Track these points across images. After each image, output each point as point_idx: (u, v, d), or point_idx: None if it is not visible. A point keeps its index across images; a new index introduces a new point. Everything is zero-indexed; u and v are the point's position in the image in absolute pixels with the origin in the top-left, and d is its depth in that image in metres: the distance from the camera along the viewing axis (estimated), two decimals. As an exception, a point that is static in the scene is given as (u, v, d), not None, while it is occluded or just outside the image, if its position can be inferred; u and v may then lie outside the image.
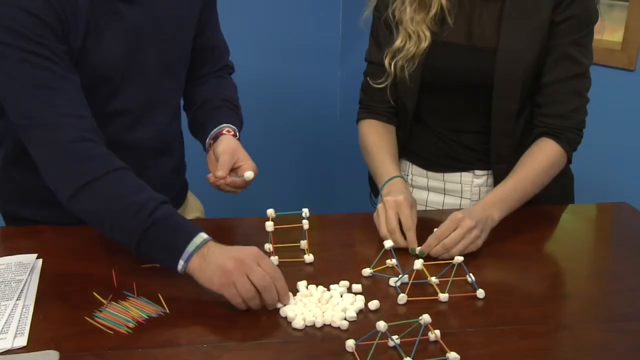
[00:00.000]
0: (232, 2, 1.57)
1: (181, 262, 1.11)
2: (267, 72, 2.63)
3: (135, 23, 1.31)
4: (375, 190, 1.64)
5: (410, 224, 1.29)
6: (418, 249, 1.26)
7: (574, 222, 1.53)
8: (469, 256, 1.23)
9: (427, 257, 1.24)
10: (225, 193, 1.35)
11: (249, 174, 1.32)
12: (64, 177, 1.19)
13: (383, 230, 1.30)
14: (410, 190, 1.51)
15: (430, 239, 1.25)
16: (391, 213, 1.30)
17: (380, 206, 1.34)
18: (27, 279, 1.14)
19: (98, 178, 1.17)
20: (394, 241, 1.25)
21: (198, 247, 1.11)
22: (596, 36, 2.09)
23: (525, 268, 1.27)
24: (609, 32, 2.13)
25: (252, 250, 1.12)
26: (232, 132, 1.42)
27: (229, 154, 1.34)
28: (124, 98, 1.34)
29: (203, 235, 1.13)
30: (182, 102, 1.55)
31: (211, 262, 1.10)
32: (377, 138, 1.53)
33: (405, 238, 1.29)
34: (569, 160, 1.49)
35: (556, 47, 1.40)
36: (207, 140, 1.42)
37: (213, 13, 1.51)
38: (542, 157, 1.42)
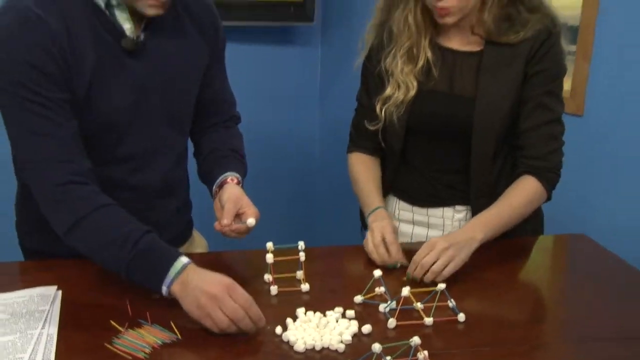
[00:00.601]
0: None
1: (164, 288, 1.13)
2: (252, 118, 2.66)
3: (140, 76, 1.31)
4: (365, 225, 1.67)
5: (392, 239, 1.36)
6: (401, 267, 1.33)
7: (542, 252, 1.57)
8: (452, 284, 1.25)
9: (412, 285, 1.25)
10: (231, 238, 1.35)
11: (250, 221, 1.31)
12: (58, 216, 1.21)
13: (369, 245, 1.37)
14: (394, 221, 1.54)
15: (411, 264, 1.30)
16: (377, 233, 1.38)
17: (368, 232, 1.40)
18: (49, 309, 1.14)
19: (86, 216, 1.19)
20: (378, 255, 1.34)
21: (178, 273, 1.13)
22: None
23: (502, 294, 1.30)
24: (559, 82, 2.23)
25: (223, 283, 1.11)
26: (236, 180, 1.41)
27: (232, 202, 1.34)
28: (128, 144, 1.34)
29: (183, 260, 1.15)
30: (190, 149, 1.54)
31: (189, 293, 1.11)
32: (364, 169, 1.58)
33: (389, 255, 1.36)
34: (549, 197, 1.50)
35: (531, 97, 1.45)
36: (214, 188, 1.42)
37: (221, 67, 1.51)
38: (523, 190, 1.45)
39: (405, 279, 1.30)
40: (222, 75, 1.53)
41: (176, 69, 1.37)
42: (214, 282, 1.11)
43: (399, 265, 1.35)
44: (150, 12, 1.24)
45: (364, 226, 1.67)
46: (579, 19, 2.04)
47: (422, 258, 1.28)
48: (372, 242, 1.37)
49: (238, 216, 1.34)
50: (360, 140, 1.60)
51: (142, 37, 1.29)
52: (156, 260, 1.15)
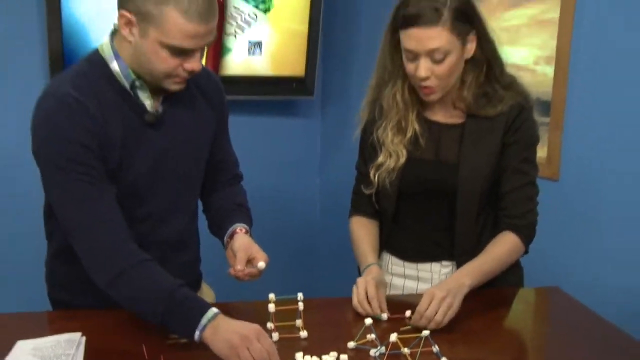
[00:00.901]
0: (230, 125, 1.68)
1: (197, 333, 1.20)
2: (258, 182, 2.66)
3: (160, 145, 1.40)
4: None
5: (373, 294, 1.41)
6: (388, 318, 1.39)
7: (522, 303, 1.62)
8: (437, 331, 1.31)
9: (400, 331, 1.30)
10: (246, 282, 1.41)
11: (261, 264, 1.39)
12: (101, 270, 1.29)
13: (354, 300, 1.43)
14: (384, 275, 1.59)
15: (415, 315, 1.35)
16: (361, 289, 1.43)
17: (354, 286, 1.45)
18: (74, 353, 1.20)
19: (126, 270, 1.27)
20: (363, 309, 1.39)
21: (210, 320, 1.20)
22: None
23: (483, 341, 1.35)
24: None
25: (254, 327, 1.19)
26: (244, 230, 1.49)
27: (243, 250, 1.42)
28: (148, 205, 1.42)
29: (214, 310, 1.23)
30: (200, 206, 1.61)
31: (220, 337, 1.18)
32: (363, 231, 1.63)
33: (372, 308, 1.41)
34: (526, 251, 1.57)
35: (509, 164, 1.53)
36: (225, 238, 1.49)
37: (225, 132, 1.61)
38: (504, 244, 1.53)
39: (378, 318, 1.37)
40: (226, 140, 1.62)
41: (189, 138, 1.46)
42: (245, 326, 1.20)
43: (385, 317, 1.40)
44: (174, 87, 1.36)
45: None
46: (550, 94, 2.15)
47: (425, 309, 1.34)
48: (357, 298, 1.43)
49: (249, 261, 1.41)
50: (360, 205, 1.66)
51: (160, 110, 1.40)
52: (190, 309, 1.23)
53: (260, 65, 2.85)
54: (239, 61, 2.81)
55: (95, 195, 1.30)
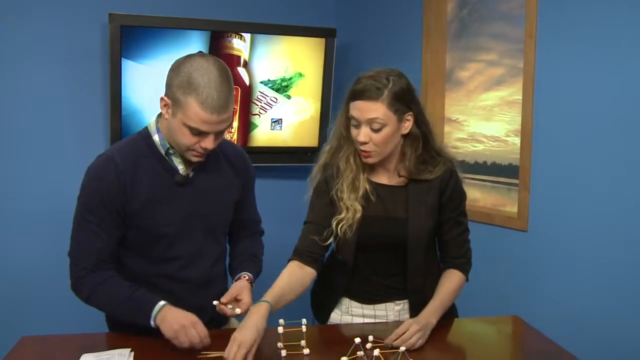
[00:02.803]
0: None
1: (152, 322, 1.44)
2: (279, 233, 2.51)
3: (187, 202, 1.53)
4: (315, 314, 1.79)
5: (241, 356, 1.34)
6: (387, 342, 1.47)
7: (487, 329, 1.74)
8: (416, 349, 1.45)
9: (382, 348, 1.43)
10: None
11: (237, 310, 1.50)
12: (80, 290, 1.52)
13: (226, 354, 1.35)
14: (347, 315, 1.69)
15: (393, 336, 1.47)
16: (234, 345, 1.35)
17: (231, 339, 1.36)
18: (124, 362, 1.38)
19: (94, 289, 1.49)
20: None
21: (158, 311, 1.44)
22: (500, 208, 2.37)
23: (450, 357, 1.48)
24: (509, 206, 2.44)
25: (190, 318, 1.40)
26: (247, 277, 1.59)
27: (235, 289, 1.53)
28: (177, 249, 1.54)
29: (161, 303, 1.45)
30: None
31: (167, 324, 1.41)
32: (286, 273, 1.57)
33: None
34: (467, 280, 1.67)
35: (449, 218, 1.65)
36: (233, 282, 1.60)
37: (251, 195, 1.73)
38: (452, 281, 1.64)
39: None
40: (251, 202, 1.74)
41: (214, 198, 1.57)
42: (185, 317, 1.41)
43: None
44: (194, 159, 1.51)
45: (314, 315, 1.80)
46: (518, 160, 2.32)
47: (402, 333, 1.47)
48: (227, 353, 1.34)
49: (237, 301, 1.52)
50: (302, 251, 1.61)
51: (191, 174, 1.55)
52: (144, 306, 1.45)
53: (281, 138, 3.04)
54: (264, 135, 3.01)
55: (94, 242, 1.49)
